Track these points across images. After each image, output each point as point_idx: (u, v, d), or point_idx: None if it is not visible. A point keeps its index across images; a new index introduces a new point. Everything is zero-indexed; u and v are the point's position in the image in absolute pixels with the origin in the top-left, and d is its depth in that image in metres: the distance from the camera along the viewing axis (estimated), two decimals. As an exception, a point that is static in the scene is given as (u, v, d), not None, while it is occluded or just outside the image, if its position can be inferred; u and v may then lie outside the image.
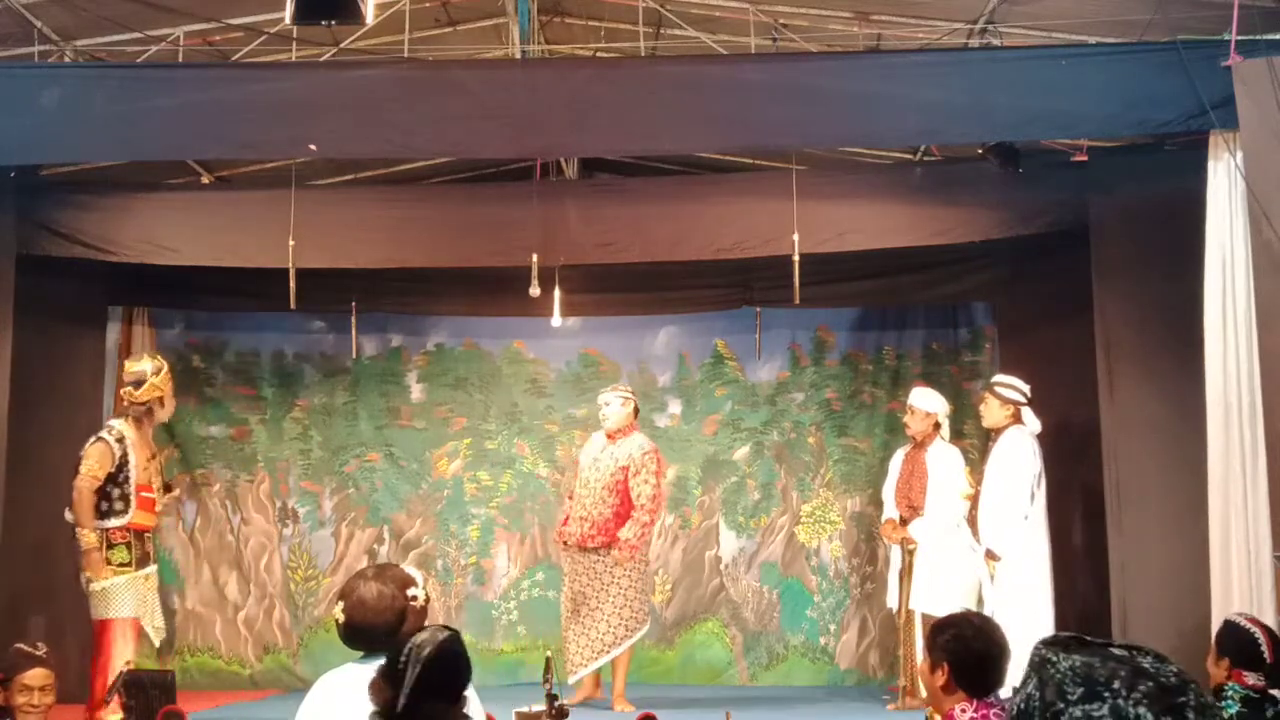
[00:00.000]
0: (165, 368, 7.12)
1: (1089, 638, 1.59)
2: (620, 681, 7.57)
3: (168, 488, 7.28)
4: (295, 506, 9.46)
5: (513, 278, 8.03)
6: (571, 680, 7.46)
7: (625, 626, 7.49)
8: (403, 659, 2.62)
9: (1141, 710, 1.44)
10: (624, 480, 7.54)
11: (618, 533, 7.49)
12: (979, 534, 7.36)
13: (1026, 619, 6.87)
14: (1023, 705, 1.54)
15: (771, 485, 9.39)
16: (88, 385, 8.58)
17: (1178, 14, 6.16)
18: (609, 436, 7.72)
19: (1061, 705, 1.48)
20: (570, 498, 7.88)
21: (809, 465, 9.38)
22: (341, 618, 3.15)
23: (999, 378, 7.62)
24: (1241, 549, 5.87)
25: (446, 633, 2.70)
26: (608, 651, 7.48)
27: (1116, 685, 1.46)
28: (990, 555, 7.20)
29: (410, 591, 3.18)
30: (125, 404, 6.92)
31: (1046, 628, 7.02)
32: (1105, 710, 1.45)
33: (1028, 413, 7.31)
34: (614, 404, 7.70)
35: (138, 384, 6.90)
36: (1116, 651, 1.51)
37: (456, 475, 9.40)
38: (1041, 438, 7.32)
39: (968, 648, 3.12)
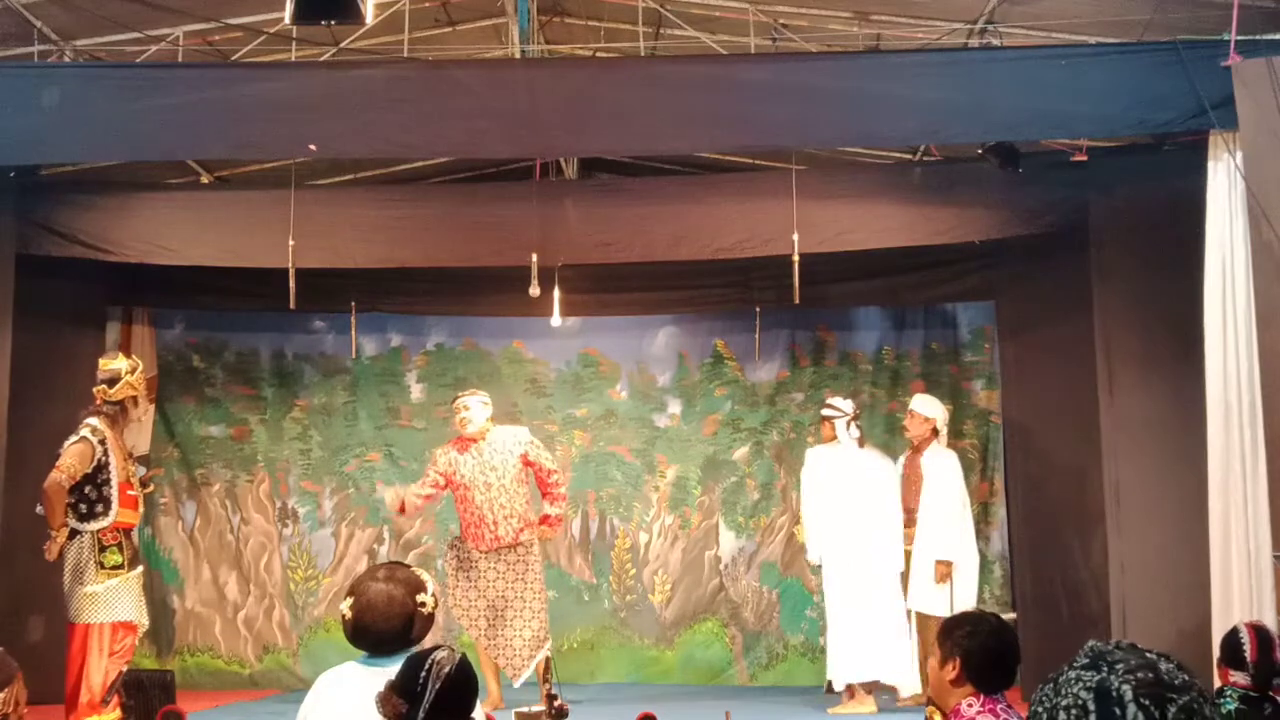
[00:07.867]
0: (140, 366, 7.08)
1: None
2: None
3: (143, 484, 7.23)
4: (295, 506, 9.46)
5: (513, 278, 8.02)
6: (518, 684, 7.35)
7: (544, 626, 7.48)
8: (422, 675, 2.63)
9: (1125, 689, 1.50)
10: (523, 467, 7.56)
11: (547, 510, 7.58)
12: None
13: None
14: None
15: (771, 485, 9.39)
16: (88, 385, 8.53)
17: (1178, 14, 6.17)
18: (473, 440, 7.55)
19: (1067, 667, 1.59)
20: (402, 511, 7.71)
21: (809, 465, 9.36)
22: (349, 614, 3.14)
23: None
24: (1241, 549, 5.87)
25: (461, 652, 2.73)
26: (544, 643, 7.44)
27: (1118, 666, 1.54)
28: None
29: (420, 597, 3.17)
30: (99, 402, 6.83)
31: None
32: (1095, 679, 1.53)
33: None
34: (475, 407, 7.57)
35: (112, 382, 6.80)
36: (1149, 654, 1.59)
37: (456, 475, 9.39)
38: (1041, 437, 7.35)
39: (983, 645, 3.11)
